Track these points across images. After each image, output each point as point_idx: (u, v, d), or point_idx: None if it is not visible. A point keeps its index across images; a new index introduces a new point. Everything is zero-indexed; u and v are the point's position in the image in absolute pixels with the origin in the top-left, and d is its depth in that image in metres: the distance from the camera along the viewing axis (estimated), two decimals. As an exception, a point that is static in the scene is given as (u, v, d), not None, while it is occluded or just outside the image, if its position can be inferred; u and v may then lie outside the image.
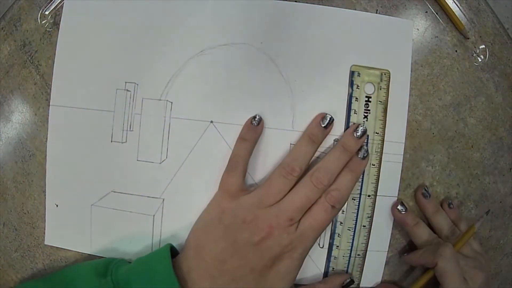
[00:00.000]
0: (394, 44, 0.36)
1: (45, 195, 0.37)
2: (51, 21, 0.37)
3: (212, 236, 0.31)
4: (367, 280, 0.36)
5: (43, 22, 0.37)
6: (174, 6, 0.35)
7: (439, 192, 0.37)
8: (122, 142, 0.36)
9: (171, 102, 0.35)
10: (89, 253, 0.37)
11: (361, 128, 0.33)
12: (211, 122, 0.35)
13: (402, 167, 0.36)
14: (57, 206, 0.37)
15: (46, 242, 0.37)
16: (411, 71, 0.36)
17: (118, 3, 0.36)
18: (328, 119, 0.34)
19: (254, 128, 0.34)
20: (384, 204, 0.36)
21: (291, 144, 0.35)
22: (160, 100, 0.36)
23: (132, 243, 0.36)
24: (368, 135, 0.35)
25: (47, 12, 0.37)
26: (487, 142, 0.37)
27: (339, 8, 0.35)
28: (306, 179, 0.31)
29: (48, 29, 0.37)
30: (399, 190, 0.36)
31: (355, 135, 0.33)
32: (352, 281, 0.35)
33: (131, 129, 0.36)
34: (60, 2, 0.37)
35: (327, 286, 0.34)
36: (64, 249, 0.37)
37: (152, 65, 0.35)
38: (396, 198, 0.36)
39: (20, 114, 0.38)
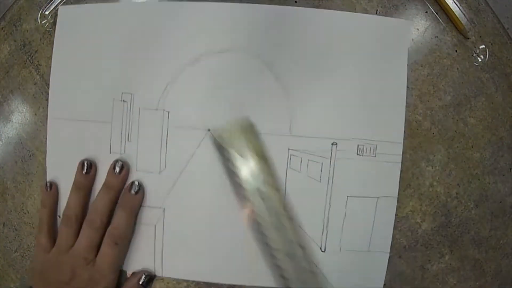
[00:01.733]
0: (391, 44, 0.35)
1: (45, 195, 0.37)
2: (51, 21, 0.37)
3: (36, 283, 0.35)
4: (370, 281, 0.36)
5: (43, 22, 0.37)
6: (166, 14, 0.35)
7: (439, 192, 0.37)
8: (120, 153, 0.36)
9: (168, 111, 0.35)
10: None
11: (119, 163, 0.35)
12: (209, 130, 0.35)
13: (402, 167, 0.36)
14: (59, 217, 0.37)
15: None
16: (411, 71, 0.36)
17: (110, 14, 0.36)
18: (87, 165, 0.35)
19: (48, 194, 0.36)
20: (384, 205, 0.36)
21: (289, 149, 0.35)
22: (157, 109, 0.35)
23: (134, 254, 0.36)
24: (129, 170, 0.35)
25: (47, 12, 0.37)
26: (487, 142, 0.37)
27: (333, 10, 0.35)
28: (85, 222, 0.35)
29: (48, 29, 0.37)
30: (398, 190, 0.36)
31: (114, 171, 0.35)
32: (150, 276, 0.36)
33: (129, 139, 0.36)
34: (60, 2, 0.37)
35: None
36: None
37: (147, 75, 0.35)
38: (396, 199, 0.36)
39: (20, 114, 0.38)
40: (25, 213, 0.38)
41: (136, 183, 0.35)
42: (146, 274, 0.36)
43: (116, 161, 0.35)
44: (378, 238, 0.36)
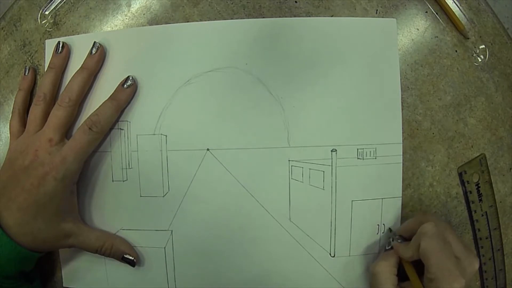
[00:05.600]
0: (380, 45, 0.35)
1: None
2: (51, 21, 0.37)
3: (3, 171, 0.34)
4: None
5: (43, 22, 0.37)
6: (158, 38, 0.35)
7: (439, 192, 0.37)
8: (123, 181, 0.36)
9: (165, 135, 0.35)
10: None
11: (96, 45, 0.35)
12: (208, 150, 0.35)
13: (402, 167, 0.36)
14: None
15: (64, 285, 0.37)
16: (411, 71, 0.36)
17: (101, 43, 0.35)
18: (60, 45, 0.35)
19: (25, 78, 0.36)
20: (389, 205, 0.36)
21: (290, 160, 0.35)
22: (154, 134, 0.35)
23: (148, 276, 0.36)
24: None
25: (47, 12, 0.37)
26: (487, 142, 0.37)
27: (318, 17, 0.35)
28: (56, 103, 0.34)
29: (48, 29, 0.37)
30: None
31: (91, 52, 0.35)
32: (132, 261, 0.35)
33: (130, 166, 0.36)
34: (60, 2, 0.37)
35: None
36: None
37: (141, 101, 0.35)
38: (400, 198, 0.36)
39: (20, 114, 0.38)
40: (25, 213, 0.38)
41: (130, 77, 0.35)
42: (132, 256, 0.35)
43: (94, 42, 0.35)
44: (386, 239, 0.36)
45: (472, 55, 0.36)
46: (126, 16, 0.37)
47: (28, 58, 0.37)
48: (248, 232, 0.36)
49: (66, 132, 0.34)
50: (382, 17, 0.36)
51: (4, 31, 0.38)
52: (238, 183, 0.35)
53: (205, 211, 0.36)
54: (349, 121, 0.35)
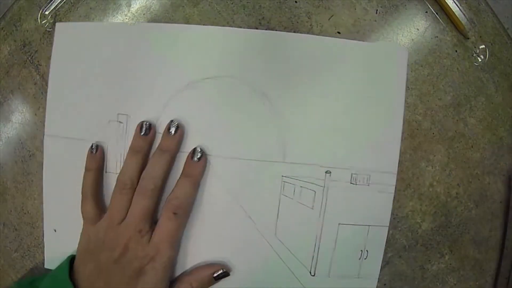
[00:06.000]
0: (388, 73, 0.35)
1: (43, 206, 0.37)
2: (51, 21, 0.37)
3: (82, 262, 0.32)
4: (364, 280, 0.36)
5: (43, 22, 0.37)
6: (159, 37, 0.35)
7: (439, 192, 0.37)
8: (116, 173, 0.35)
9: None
10: None
11: (174, 124, 0.33)
12: None
13: (402, 167, 0.36)
14: (55, 231, 0.37)
15: (46, 266, 0.37)
16: (411, 71, 0.36)
17: (109, 33, 0.36)
18: (145, 126, 0.34)
19: (93, 157, 0.35)
20: (375, 233, 0.36)
21: (283, 176, 0.35)
22: None
23: None
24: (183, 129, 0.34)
25: (47, 12, 0.37)
26: (487, 142, 0.37)
27: (327, 37, 0.35)
28: (136, 190, 0.32)
29: (48, 29, 0.37)
30: (399, 190, 0.36)
31: (169, 133, 0.33)
32: (226, 273, 0.34)
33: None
34: (60, 2, 0.37)
35: (191, 277, 0.33)
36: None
37: (142, 98, 0.35)
38: (387, 228, 0.35)
39: (20, 114, 0.38)
40: (25, 213, 0.38)
41: (198, 149, 0.33)
42: (223, 270, 0.33)
43: (171, 121, 0.33)
44: (368, 265, 0.36)
45: (472, 55, 0.36)
46: (126, 16, 0.37)
47: (28, 58, 0.37)
48: (231, 242, 0.35)
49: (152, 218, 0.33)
50: (382, 17, 0.36)
51: (4, 31, 0.38)
52: (227, 192, 0.35)
53: (193, 215, 0.35)
54: (346, 145, 0.35)
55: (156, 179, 0.32)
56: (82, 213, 0.34)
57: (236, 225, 0.35)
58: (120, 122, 0.36)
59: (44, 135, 0.37)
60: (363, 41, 0.36)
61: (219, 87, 0.35)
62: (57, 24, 0.36)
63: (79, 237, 0.35)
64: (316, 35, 0.35)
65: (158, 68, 0.35)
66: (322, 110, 0.35)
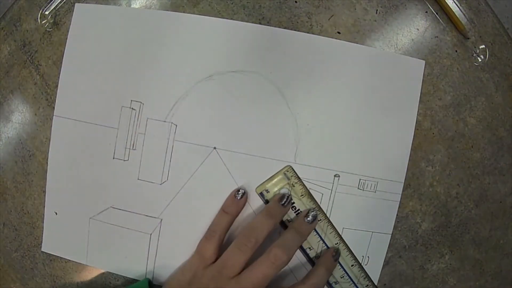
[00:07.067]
0: (404, 84, 0.35)
1: (45, 195, 0.37)
2: (51, 21, 0.37)
3: None
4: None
5: (43, 22, 0.37)
6: (184, 26, 0.35)
7: (439, 192, 0.37)
8: (124, 160, 0.36)
9: (176, 125, 0.35)
10: (84, 263, 0.37)
11: (312, 213, 0.34)
12: (214, 148, 0.35)
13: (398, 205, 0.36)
14: (56, 214, 0.37)
15: (43, 249, 0.37)
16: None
17: (128, 18, 0.36)
18: (286, 198, 0.34)
19: (237, 202, 0.35)
20: (378, 240, 0.36)
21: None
22: (165, 121, 0.36)
23: (127, 259, 0.36)
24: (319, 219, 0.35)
25: (47, 12, 0.37)
26: (487, 142, 0.37)
27: (350, 43, 0.35)
28: (264, 256, 0.32)
29: (48, 29, 0.37)
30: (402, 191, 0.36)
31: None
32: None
33: (134, 148, 0.36)
34: (60, 2, 0.37)
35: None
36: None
37: (159, 86, 0.35)
38: (390, 235, 0.36)
39: (20, 114, 0.38)
40: (25, 213, 0.38)
41: (313, 212, 0.34)
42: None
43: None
44: (368, 271, 0.36)
45: (472, 55, 0.36)
46: (126, 16, 0.37)
47: (28, 58, 0.37)
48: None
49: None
50: (382, 17, 0.36)
51: (4, 31, 0.38)
52: (237, 187, 0.35)
53: (198, 208, 0.36)
54: (358, 151, 0.35)
55: (289, 253, 0.32)
56: (199, 247, 0.34)
57: (244, 222, 0.35)
58: (133, 109, 0.35)
59: (53, 115, 0.37)
60: (363, 42, 0.36)
61: (242, 81, 0.35)
62: (76, 4, 0.36)
63: (78, 224, 0.35)
64: (317, 35, 0.35)
65: (182, 58, 0.35)
66: (338, 116, 0.35)
